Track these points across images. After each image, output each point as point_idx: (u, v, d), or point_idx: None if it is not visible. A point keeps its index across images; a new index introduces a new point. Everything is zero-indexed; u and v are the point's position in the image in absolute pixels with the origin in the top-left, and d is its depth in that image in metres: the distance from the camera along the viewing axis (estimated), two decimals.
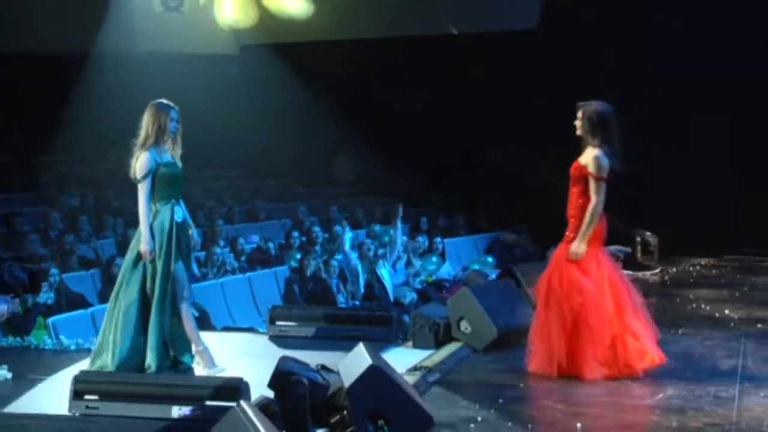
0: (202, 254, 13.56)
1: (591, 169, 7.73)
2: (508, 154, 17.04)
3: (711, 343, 9.04)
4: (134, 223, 14.31)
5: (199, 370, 7.59)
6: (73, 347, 8.91)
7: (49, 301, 10.71)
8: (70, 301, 10.94)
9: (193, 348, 7.62)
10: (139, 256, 7.41)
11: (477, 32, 17.10)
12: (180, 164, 7.66)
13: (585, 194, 7.78)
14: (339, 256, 13.25)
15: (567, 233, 7.88)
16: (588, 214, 7.72)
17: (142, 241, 7.38)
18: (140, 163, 7.46)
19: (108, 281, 11.75)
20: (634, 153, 16.06)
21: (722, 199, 15.32)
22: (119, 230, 14.28)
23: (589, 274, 7.73)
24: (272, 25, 17.84)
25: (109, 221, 14.59)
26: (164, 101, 7.63)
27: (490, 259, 15.48)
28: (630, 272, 13.85)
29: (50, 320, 9.96)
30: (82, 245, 13.22)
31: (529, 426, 6.38)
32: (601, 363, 7.57)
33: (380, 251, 13.45)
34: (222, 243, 14.09)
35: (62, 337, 9.29)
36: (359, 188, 19.46)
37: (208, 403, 6.12)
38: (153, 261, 7.38)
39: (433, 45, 17.47)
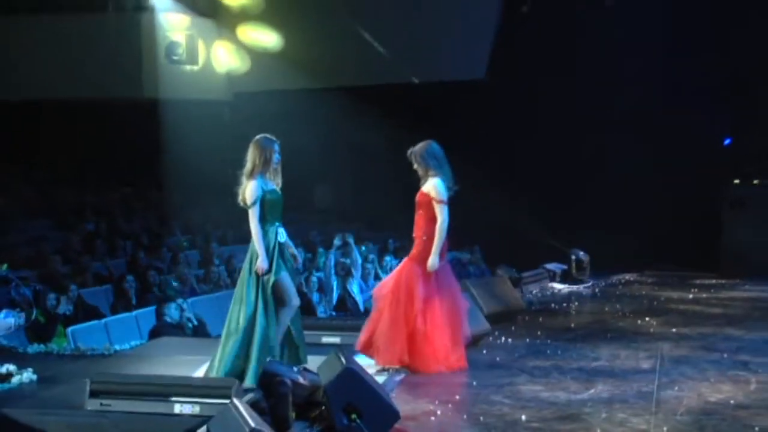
0: (201, 272, 13.54)
1: (433, 194, 7.85)
2: (462, 186, 17.12)
3: (634, 345, 9.08)
4: (141, 245, 14.41)
5: None
6: (89, 353, 8.86)
7: (68, 312, 10.67)
8: (87, 312, 10.89)
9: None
10: (254, 273, 7.21)
11: (434, 81, 17.23)
12: (280, 191, 7.47)
13: (430, 217, 7.87)
14: (319, 273, 13.24)
15: (413, 250, 7.96)
16: (437, 233, 7.80)
17: (258, 259, 7.17)
18: (249, 190, 7.25)
19: (119, 295, 11.73)
20: (570, 182, 16.39)
21: (643, 223, 15.49)
22: (128, 251, 14.23)
23: (429, 286, 7.83)
24: (260, 75, 17.92)
25: (120, 244, 14.53)
26: (268, 136, 7.50)
27: None
28: (566, 285, 13.99)
29: (69, 329, 9.91)
30: (96, 264, 13.18)
31: (481, 418, 6.40)
32: (437, 360, 7.75)
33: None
34: (217, 262, 14.05)
35: (80, 344, 9.24)
36: (335, 215, 19.45)
37: (205, 400, 6.12)
38: (263, 276, 7.21)
39: (398, 91, 17.56)
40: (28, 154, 17.23)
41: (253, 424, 4.86)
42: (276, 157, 7.42)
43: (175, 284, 11.66)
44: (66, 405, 6.53)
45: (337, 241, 13.41)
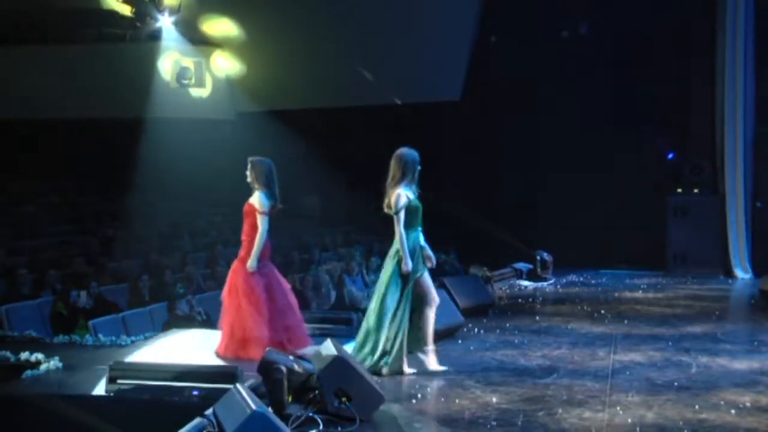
0: (208, 271, 13.48)
1: (257, 206, 7.80)
2: (439, 195, 17.13)
3: (591, 335, 9.12)
4: (153, 248, 14.35)
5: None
6: (108, 343, 8.81)
7: (88, 306, 10.63)
8: (106, 307, 10.84)
9: (426, 347, 7.35)
10: (399, 272, 7.13)
11: (414, 102, 17.25)
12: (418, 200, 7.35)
13: (253, 225, 7.80)
14: (313, 273, 13.22)
15: (241, 253, 7.89)
16: (257, 239, 7.74)
17: (403, 261, 7.10)
18: (396, 198, 7.15)
19: (135, 292, 11.67)
20: (536, 192, 16.41)
21: (599, 228, 15.56)
22: (142, 253, 14.17)
23: (257, 282, 7.78)
24: (259, 97, 17.92)
25: (135, 246, 14.47)
26: (411, 150, 7.38)
27: None
28: (532, 283, 14.00)
29: (91, 322, 9.85)
30: (113, 265, 13.11)
31: (457, 400, 6.40)
32: (264, 346, 7.57)
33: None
34: (222, 263, 14.00)
35: (100, 335, 9.19)
36: (325, 220, 19.40)
37: (212, 385, 6.09)
38: (407, 275, 7.15)
39: (381, 111, 17.57)
40: (54, 168, 17.21)
41: (254, 407, 4.84)
42: (418, 168, 7.31)
43: (182, 290, 11.55)
44: (87, 389, 6.50)
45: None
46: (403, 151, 7.36)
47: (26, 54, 17.05)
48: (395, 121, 17.59)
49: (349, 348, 7.34)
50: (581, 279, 14.61)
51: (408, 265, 7.11)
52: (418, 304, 7.28)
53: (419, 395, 6.52)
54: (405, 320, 7.18)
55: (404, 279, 7.17)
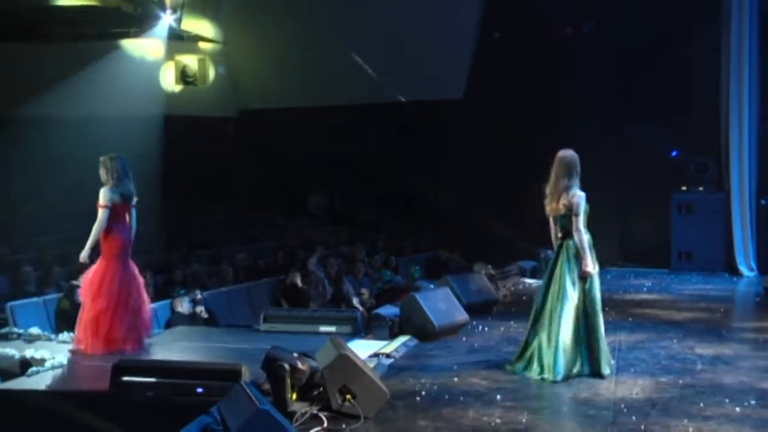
0: (211, 269, 13.51)
1: (100, 200, 7.93)
2: (442, 193, 17.15)
3: None
4: (158, 245, 14.34)
5: None
6: None
7: None
8: None
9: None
10: (576, 276, 7.08)
11: (417, 100, 17.27)
12: None
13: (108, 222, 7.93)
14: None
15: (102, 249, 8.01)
16: (93, 231, 7.92)
17: (588, 263, 7.05)
18: (578, 200, 7.12)
19: None
20: (540, 190, 16.38)
21: (603, 225, 15.50)
22: (147, 250, 14.16)
23: (117, 280, 7.92)
24: (262, 93, 17.94)
25: (138, 244, 14.45)
26: (570, 150, 7.34)
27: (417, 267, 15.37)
28: (536, 280, 13.96)
29: None
30: None
31: (461, 398, 6.40)
32: (116, 341, 7.77)
33: None
34: (226, 261, 14.02)
35: None
36: (329, 219, 19.43)
37: (216, 382, 6.10)
38: (587, 279, 7.07)
39: (385, 109, 17.58)
40: (55, 163, 17.22)
41: (258, 404, 4.86)
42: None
43: (182, 291, 11.48)
44: (92, 387, 6.51)
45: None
46: (569, 153, 7.32)
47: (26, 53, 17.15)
48: (398, 118, 17.63)
49: (352, 346, 7.35)
50: None
51: (591, 264, 7.07)
52: None
53: (423, 392, 6.52)
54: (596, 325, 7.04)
55: (583, 280, 7.07)
